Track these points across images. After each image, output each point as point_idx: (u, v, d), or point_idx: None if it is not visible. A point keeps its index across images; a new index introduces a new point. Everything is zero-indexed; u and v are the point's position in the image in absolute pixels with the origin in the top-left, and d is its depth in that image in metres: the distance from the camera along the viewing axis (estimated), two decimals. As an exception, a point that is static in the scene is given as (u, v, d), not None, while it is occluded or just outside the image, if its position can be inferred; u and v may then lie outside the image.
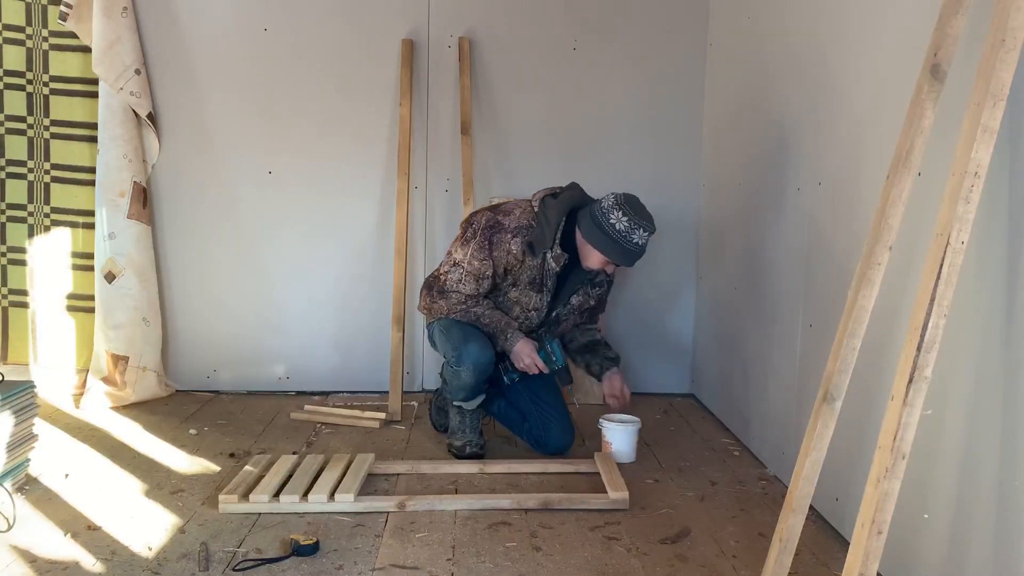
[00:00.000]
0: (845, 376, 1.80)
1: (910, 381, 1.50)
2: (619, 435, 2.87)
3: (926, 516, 1.79)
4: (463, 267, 2.78)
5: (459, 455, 2.87)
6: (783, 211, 2.74)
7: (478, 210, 2.92)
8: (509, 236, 2.75)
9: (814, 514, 2.34)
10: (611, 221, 2.67)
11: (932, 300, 1.49)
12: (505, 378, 2.89)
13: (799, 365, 2.58)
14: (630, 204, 2.70)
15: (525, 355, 2.80)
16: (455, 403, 2.88)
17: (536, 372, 2.82)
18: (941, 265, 1.49)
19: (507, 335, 2.80)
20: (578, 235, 2.77)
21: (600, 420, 2.93)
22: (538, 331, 2.92)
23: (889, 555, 1.67)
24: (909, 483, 1.59)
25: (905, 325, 1.57)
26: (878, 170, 2.02)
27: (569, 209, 2.77)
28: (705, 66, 3.68)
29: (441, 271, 2.85)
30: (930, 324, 1.49)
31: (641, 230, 2.68)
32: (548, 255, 2.76)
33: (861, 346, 1.80)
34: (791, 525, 1.84)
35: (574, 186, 2.86)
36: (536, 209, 2.80)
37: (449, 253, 2.85)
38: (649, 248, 2.77)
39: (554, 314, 2.90)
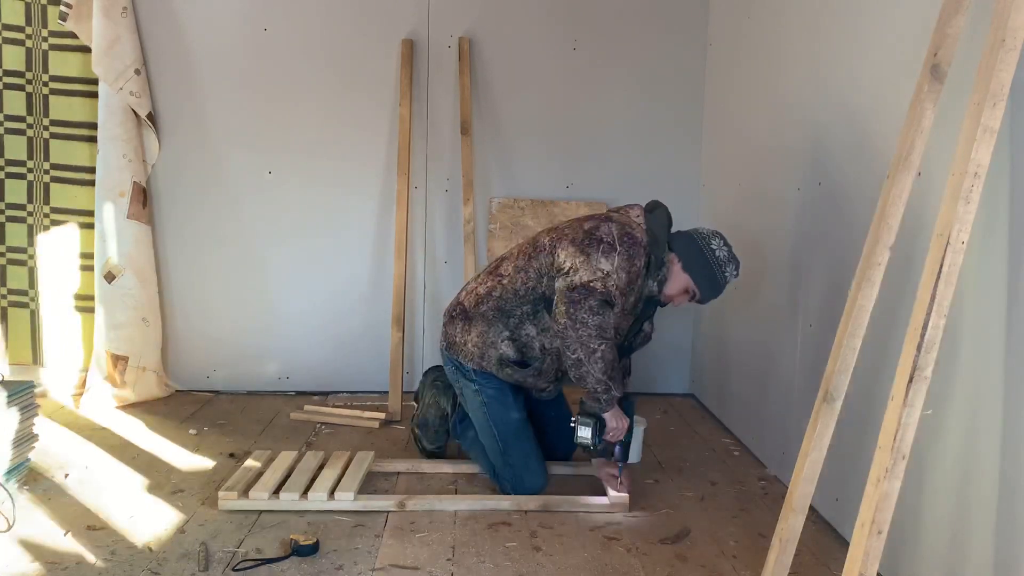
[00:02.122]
0: (845, 376, 1.80)
1: (910, 381, 1.50)
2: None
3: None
4: (614, 279, 2.37)
5: (427, 454, 2.85)
6: (783, 211, 2.74)
7: (581, 224, 2.50)
8: (641, 251, 2.44)
9: (814, 514, 2.34)
10: (712, 247, 2.48)
11: (932, 300, 1.50)
12: (590, 441, 2.44)
13: (799, 365, 2.58)
14: (725, 239, 2.52)
15: (617, 424, 2.45)
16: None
17: (614, 441, 2.50)
18: (941, 265, 1.49)
19: (613, 390, 2.40)
20: (672, 257, 2.51)
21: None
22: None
23: (889, 555, 1.68)
24: (909, 483, 1.59)
25: (905, 325, 1.57)
26: (878, 170, 2.02)
27: (668, 230, 2.55)
28: (705, 66, 3.68)
29: (590, 277, 2.37)
30: (930, 324, 1.49)
31: (734, 266, 2.50)
32: (655, 277, 2.50)
33: (861, 346, 1.80)
34: (791, 525, 1.84)
35: (660, 205, 2.62)
36: (645, 225, 2.53)
37: (590, 267, 2.38)
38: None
39: (626, 343, 2.63)
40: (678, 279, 2.51)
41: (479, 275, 2.69)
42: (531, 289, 2.52)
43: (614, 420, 2.45)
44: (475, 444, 2.71)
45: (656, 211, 2.60)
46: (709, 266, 2.48)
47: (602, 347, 2.36)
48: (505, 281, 2.56)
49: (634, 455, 2.84)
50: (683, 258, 2.50)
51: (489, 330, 2.56)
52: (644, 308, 2.59)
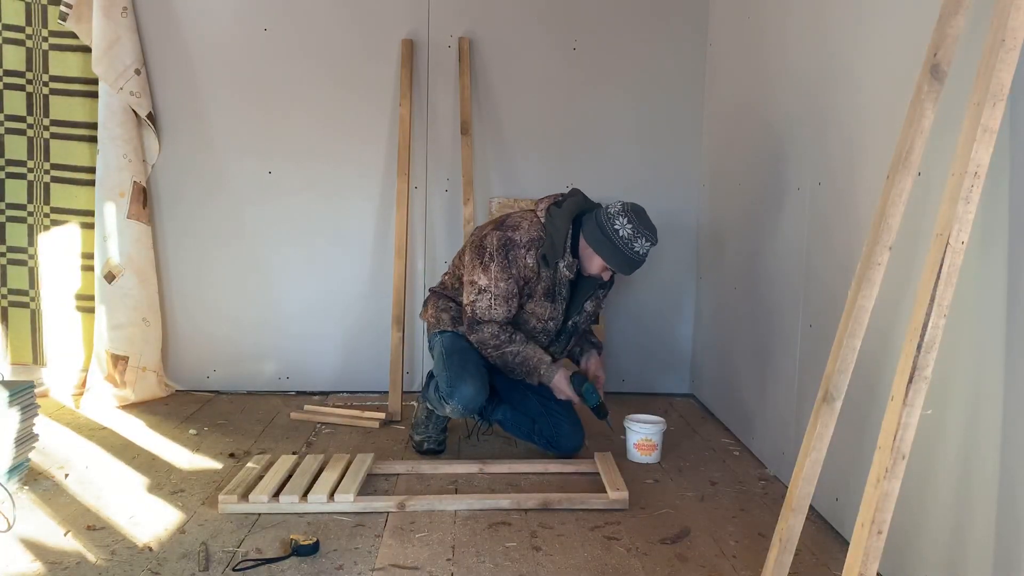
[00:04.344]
0: (845, 376, 1.80)
1: (910, 381, 1.50)
2: (644, 435, 2.89)
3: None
4: (491, 292, 2.72)
5: (418, 449, 2.91)
6: (783, 211, 2.74)
7: (484, 229, 2.81)
8: (523, 251, 2.72)
9: (814, 514, 2.34)
10: (615, 227, 2.67)
11: (932, 300, 1.49)
12: (589, 399, 2.82)
13: (799, 365, 2.58)
14: (636, 213, 2.69)
15: (561, 390, 2.78)
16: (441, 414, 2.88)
17: (576, 402, 2.83)
18: (941, 265, 1.49)
19: (541, 371, 2.76)
20: (581, 239, 2.76)
21: (625, 420, 2.94)
22: (559, 341, 2.90)
23: (889, 555, 1.68)
24: (909, 483, 1.59)
25: (905, 325, 1.57)
26: (878, 170, 2.02)
27: (575, 215, 2.76)
28: (705, 66, 3.68)
29: (467, 300, 2.76)
30: (930, 324, 1.49)
31: (643, 239, 2.67)
32: (561, 264, 2.74)
33: (861, 346, 1.80)
34: (791, 525, 1.84)
35: (576, 192, 2.85)
36: (543, 219, 2.77)
37: (471, 282, 2.75)
38: (648, 256, 2.76)
39: (570, 323, 2.88)
40: (592, 260, 2.76)
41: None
42: (458, 290, 2.90)
43: (556, 390, 2.79)
44: (509, 419, 2.93)
45: (566, 201, 2.80)
46: (615, 245, 2.68)
47: (495, 352, 2.75)
48: (447, 277, 2.97)
49: (655, 454, 2.89)
50: (590, 241, 2.73)
51: (439, 302, 2.95)
52: (579, 289, 2.83)
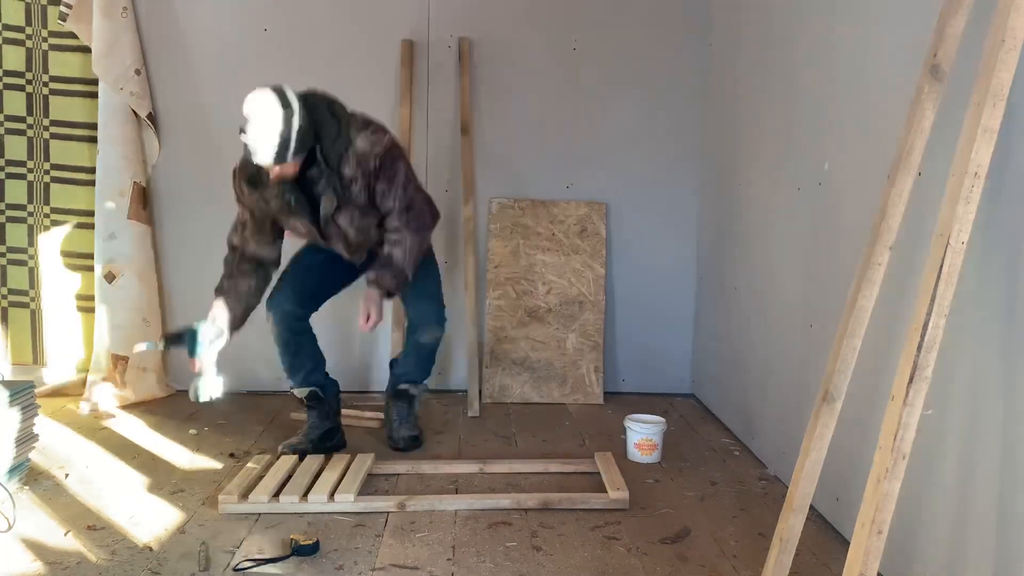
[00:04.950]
0: (845, 376, 1.80)
1: (910, 381, 1.50)
2: (645, 435, 2.89)
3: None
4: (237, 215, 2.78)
5: (394, 447, 2.95)
6: (783, 211, 2.74)
7: None
8: (238, 180, 2.73)
9: (814, 514, 2.34)
10: (241, 127, 2.50)
11: (932, 300, 1.49)
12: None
13: (799, 365, 2.58)
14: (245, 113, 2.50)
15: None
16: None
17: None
18: (941, 265, 1.49)
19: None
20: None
21: (625, 420, 2.94)
22: (338, 247, 2.80)
23: (889, 555, 1.68)
24: (909, 483, 1.59)
25: (905, 325, 1.57)
26: (878, 170, 2.02)
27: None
28: (705, 66, 3.68)
29: None
30: (930, 324, 1.49)
31: (246, 124, 2.47)
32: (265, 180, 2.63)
33: (861, 346, 1.80)
34: (791, 525, 1.84)
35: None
36: None
37: None
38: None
39: (332, 229, 2.71)
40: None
41: None
42: None
43: None
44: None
45: None
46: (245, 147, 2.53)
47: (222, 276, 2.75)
48: None
49: (655, 454, 2.89)
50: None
51: None
52: (310, 193, 2.64)
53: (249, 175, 2.66)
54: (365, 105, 3.62)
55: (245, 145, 2.55)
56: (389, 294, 2.75)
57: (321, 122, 2.58)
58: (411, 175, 2.78)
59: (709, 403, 3.57)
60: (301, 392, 2.94)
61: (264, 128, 2.45)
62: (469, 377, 3.52)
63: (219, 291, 2.73)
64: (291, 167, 2.55)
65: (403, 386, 2.99)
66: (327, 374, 2.99)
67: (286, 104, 2.50)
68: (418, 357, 2.96)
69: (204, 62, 3.55)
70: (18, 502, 2.37)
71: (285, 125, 2.47)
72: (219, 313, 2.70)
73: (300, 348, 2.86)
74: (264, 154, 2.47)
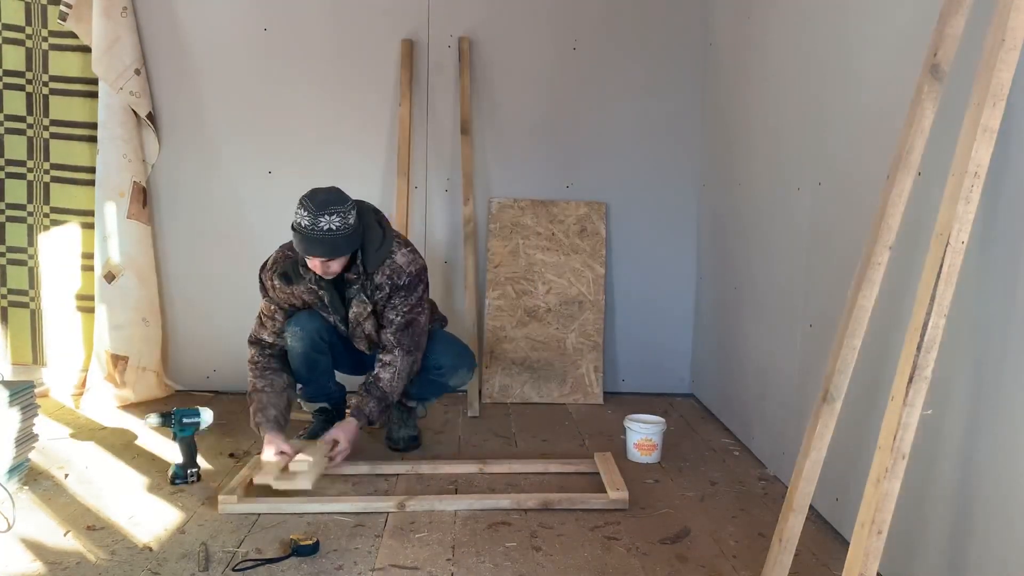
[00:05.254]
0: (845, 376, 1.80)
1: (910, 381, 1.50)
2: (644, 435, 2.89)
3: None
4: (257, 315, 2.80)
5: (393, 447, 2.95)
6: (783, 211, 2.74)
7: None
8: (268, 274, 2.75)
9: (814, 514, 2.34)
10: (297, 220, 2.53)
11: (932, 300, 1.50)
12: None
13: (799, 365, 2.58)
14: (311, 196, 2.54)
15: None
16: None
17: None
18: (941, 265, 1.49)
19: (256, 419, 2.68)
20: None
21: (625, 420, 2.95)
22: (360, 344, 2.85)
23: (889, 555, 1.68)
24: (909, 483, 1.59)
25: (905, 325, 1.57)
26: (878, 170, 2.02)
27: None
28: (705, 66, 3.68)
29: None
30: (930, 324, 1.49)
31: (326, 215, 2.49)
32: (306, 276, 2.69)
33: (861, 346, 1.80)
34: (791, 525, 1.84)
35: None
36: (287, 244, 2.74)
37: None
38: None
39: (359, 328, 2.78)
40: (307, 262, 2.63)
41: None
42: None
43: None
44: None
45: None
46: (300, 236, 2.54)
47: (253, 377, 2.75)
48: None
49: (655, 454, 2.88)
50: (294, 245, 2.63)
51: None
52: (345, 293, 2.73)
53: (283, 270, 2.70)
54: (365, 105, 3.64)
55: (282, 246, 2.74)
56: (370, 422, 2.73)
57: (368, 228, 2.66)
58: (425, 301, 2.81)
59: (709, 403, 3.57)
60: (310, 407, 2.98)
61: (331, 220, 2.51)
62: (469, 377, 3.52)
63: (256, 392, 2.71)
64: (338, 264, 2.61)
65: (411, 403, 2.99)
66: (337, 382, 3.01)
67: (351, 204, 2.59)
68: (435, 387, 2.96)
69: (204, 62, 3.56)
70: (18, 502, 2.37)
71: (349, 222, 2.55)
72: (268, 425, 2.64)
73: (316, 364, 2.82)
74: (324, 246, 2.52)
